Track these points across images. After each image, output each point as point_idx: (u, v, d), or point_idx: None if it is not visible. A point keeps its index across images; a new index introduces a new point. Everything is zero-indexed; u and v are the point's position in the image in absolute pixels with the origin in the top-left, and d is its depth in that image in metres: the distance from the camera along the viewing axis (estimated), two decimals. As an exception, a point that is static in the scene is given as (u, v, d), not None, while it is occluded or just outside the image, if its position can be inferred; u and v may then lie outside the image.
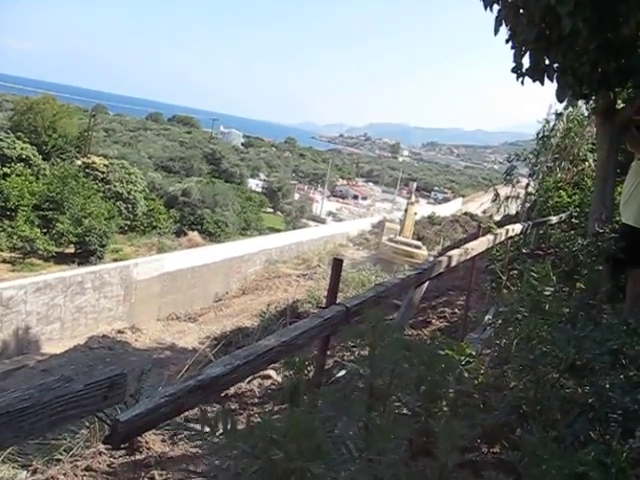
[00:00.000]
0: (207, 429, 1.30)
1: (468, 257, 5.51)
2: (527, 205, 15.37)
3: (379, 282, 4.18)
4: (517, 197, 17.02)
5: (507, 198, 17.47)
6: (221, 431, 1.28)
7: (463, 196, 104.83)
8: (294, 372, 1.49)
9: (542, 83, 7.10)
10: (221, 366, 1.98)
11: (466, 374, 3.26)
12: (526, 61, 7.05)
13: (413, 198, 64.79)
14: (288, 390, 1.49)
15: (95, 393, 1.57)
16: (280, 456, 1.23)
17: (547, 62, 6.94)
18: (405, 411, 2.09)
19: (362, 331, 1.86)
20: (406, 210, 56.47)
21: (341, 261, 3.24)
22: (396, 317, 4.23)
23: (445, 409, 2.34)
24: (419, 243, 49.35)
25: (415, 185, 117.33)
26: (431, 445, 1.92)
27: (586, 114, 14.28)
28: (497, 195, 17.46)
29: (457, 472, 1.91)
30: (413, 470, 1.79)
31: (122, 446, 1.72)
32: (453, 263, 5.04)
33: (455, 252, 5.21)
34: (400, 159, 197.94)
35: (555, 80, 7.00)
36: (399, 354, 1.96)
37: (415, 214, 54.14)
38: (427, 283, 4.53)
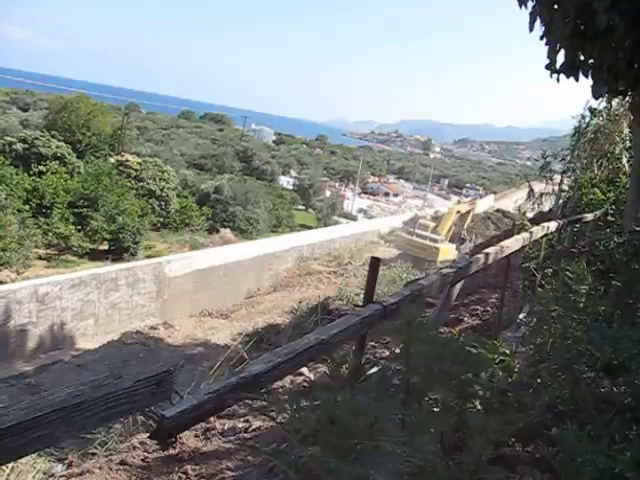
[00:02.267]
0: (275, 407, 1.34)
1: (503, 255, 5.48)
2: (561, 202, 15.21)
3: (411, 279, 4.19)
4: (551, 194, 16.83)
5: (541, 195, 17.30)
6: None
7: (495, 193, 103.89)
8: (334, 367, 1.51)
9: (577, 79, 7.03)
10: (262, 363, 2.02)
11: (500, 372, 3.26)
12: (560, 58, 6.98)
13: (468, 199, 64.79)
14: (350, 368, 1.52)
15: (144, 390, 1.61)
16: (337, 433, 1.27)
17: (582, 58, 6.87)
18: (438, 408, 2.10)
19: (399, 327, 1.88)
20: (450, 209, 56.38)
21: (378, 260, 3.24)
22: (431, 315, 4.23)
23: (479, 407, 2.35)
24: (437, 237, 48.76)
25: (447, 182, 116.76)
26: (463, 441, 1.93)
27: (622, 111, 14.09)
28: (532, 190, 17.27)
29: (491, 467, 1.92)
30: (449, 463, 1.81)
31: (168, 442, 1.75)
32: (490, 261, 5.03)
33: (491, 250, 5.19)
34: (432, 156, 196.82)
35: (590, 76, 6.92)
36: (433, 351, 1.97)
37: (459, 213, 53.64)
38: (463, 281, 4.52)
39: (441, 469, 1.78)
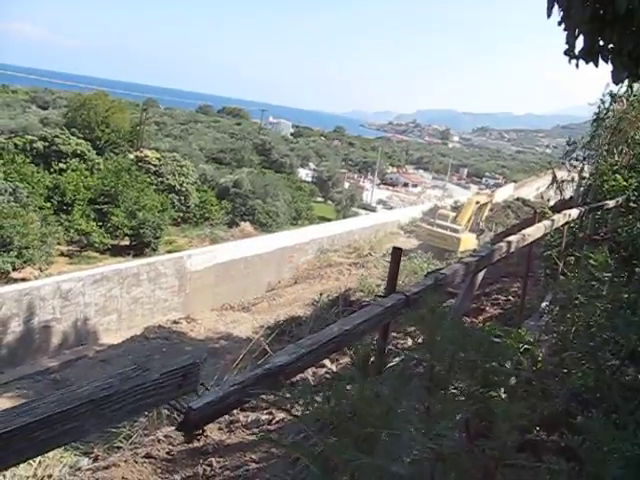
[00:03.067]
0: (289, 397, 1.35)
1: (525, 243, 5.44)
2: (582, 189, 15.07)
3: (432, 270, 4.18)
4: (572, 181, 16.68)
5: (562, 182, 17.15)
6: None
7: (515, 181, 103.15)
8: (357, 358, 1.52)
9: (596, 65, 6.94)
10: (286, 355, 2.03)
11: (525, 361, 3.25)
12: (579, 43, 6.91)
13: (487, 191, 64.63)
14: (359, 359, 1.52)
15: (170, 382, 1.63)
16: (353, 422, 1.28)
17: (601, 43, 6.79)
18: (462, 397, 2.10)
19: (422, 315, 1.88)
20: (469, 199, 56.22)
21: (400, 250, 3.24)
22: (454, 304, 4.22)
23: (503, 395, 2.35)
24: (458, 227, 48.56)
25: (466, 171, 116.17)
26: (488, 429, 1.93)
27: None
28: (555, 177, 17.10)
29: (516, 454, 1.92)
30: (473, 450, 1.81)
31: (195, 433, 1.77)
32: (512, 249, 5.00)
33: (513, 238, 5.16)
34: (450, 145, 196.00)
35: (610, 62, 6.85)
36: (457, 339, 1.97)
37: (478, 203, 53.41)
38: (485, 270, 4.50)
39: (465, 455, 1.79)
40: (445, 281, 3.52)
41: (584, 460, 1.94)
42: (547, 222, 6.33)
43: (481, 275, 4.45)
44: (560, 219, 6.83)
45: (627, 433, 2.08)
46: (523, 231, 5.52)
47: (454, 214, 52.69)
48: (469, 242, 44.32)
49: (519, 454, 2.07)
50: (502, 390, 2.36)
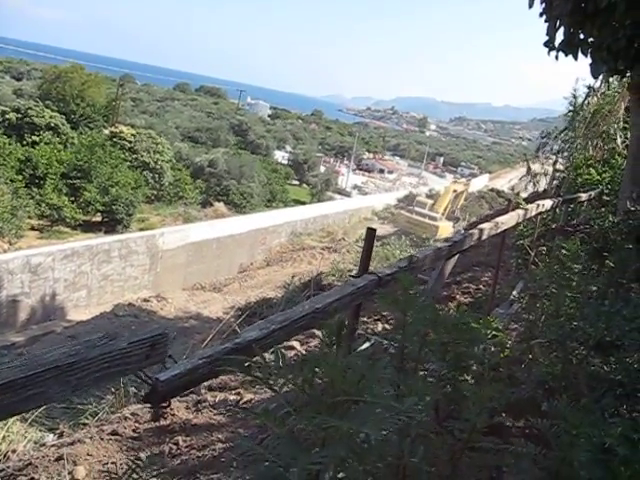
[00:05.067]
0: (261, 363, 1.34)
1: (498, 231, 5.48)
2: (555, 182, 15.21)
3: (407, 255, 4.19)
4: (546, 174, 16.82)
5: (535, 175, 17.28)
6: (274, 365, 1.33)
7: (490, 172, 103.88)
8: (329, 332, 1.51)
9: (575, 58, 6.98)
10: (257, 330, 2.02)
11: (492, 347, 3.27)
12: (560, 35, 6.93)
13: (463, 180, 65.32)
14: (333, 329, 1.51)
15: (138, 352, 1.61)
16: (326, 389, 1.27)
17: (582, 36, 6.82)
18: (432, 379, 2.11)
19: (394, 295, 1.87)
20: (447, 188, 56.87)
21: (374, 230, 3.26)
22: (426, 288, 4.24)
23: (470, 380, 2.36)
24: (437, 215, 49.27)
25: (442, 160, 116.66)
26: (457, 411, 1.94)
27: (619, 91, 14.04)
28: (529, 169, 17.24)
29: (483, 437, 1.93)
30: (441, 431, 1.82)
31: (161, 405, 1.76)
32: (484, 236, 5.03)
33: (486, 225, 5.19)
34: (427, 133, 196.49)
35: (589, 55, 6.88)
36: (428, 320, 1.98)
37: (455, 192, 54.11)
38: (457, 256, 4.52)
39: (434, 436, 1.79)
40: (417, 264, 3.53)
41: (551, 444, 1.95)
42: (520, 211, 6.38)
43: (453, 261, 4.47)
44: (533, 209, 6.88)
45: (595, 418, 2.10)
46: (496, 219, 5.55)
47: (432, 202, 53.25)
48: (446, 230, 44.77)
49: (486, 437, 2.09)
50: (470, 376, 2.37)
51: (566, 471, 1.82)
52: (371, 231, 3.18)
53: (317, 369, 1.30)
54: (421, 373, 2.08)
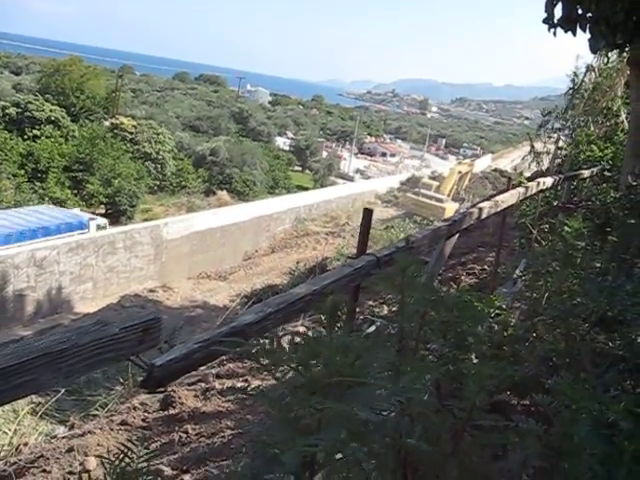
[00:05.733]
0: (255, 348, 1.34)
1: (498, 209, 5.45)
2: (557, 160, 15.14)
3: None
4: (548, 152, 16.74)
5: (538, 154, 17.20)
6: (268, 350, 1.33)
7: (493, 152, 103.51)
8: (326, 309, 1.50)
9: (574, 34, 6.92)
10: (253, 314, 2.02)
11: (495, 326, 3.27)
12: (558, 11, 6.87)
13: (467, 161, 65.43)
14: (328, 309, 1.51)
15: (131, 337, 1.61)
16: (321, 370, 1.27)
17: (580, 12, 6.77)
18: (433, 358, 2.11)
19: (392, 275, 1.86)
20: (452, 169, 57.04)
21: (371, 211, 3.26)
22: (426, 268, 4.23)
23: (474, 358, 2.36)
24: (442, 197, 49.51)
25: (444, 142, 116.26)
26: (459, 390, 1.94)
27: (618, 66, 13.95)
28: (532, 147, 17.14)
29: (485, 415, 1.93)
30: (442, 409, 1.82)
31: (157, 391, 1.76)
32: (484, 215, 5.00)
33: (486, 204, 5.17)
34: (429, 115, 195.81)
35: (588, 30, 6.82)
36: (427, 300, 1.97)
37: (460, 173, 54.32)
38: (457, 235, 4.51)
39: (435, 414, 1.79)
40: (416, 244, 3.52)
41: (553, 420, 1.95)
42: (521, 189, 6.35)
43: (453, 240, 4.45)
44: (534, 187, 6.85)
45: (594, 393, 2.10)
46: (496, 197, 5.53)
47: (437, 183, 53.42)
48: (453, 211, 44.87)
49: (488, 415, 2.08)
50: (473, 354, 2.37)
51: (568, 446, 1.82)
52: (368, 212, 3.18)
53: (312, 350, 1.30)
54: (423, 353, 2.08)
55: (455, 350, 2.14)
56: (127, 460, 1.41)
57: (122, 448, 1.46)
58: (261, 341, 1.35)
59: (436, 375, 1.88)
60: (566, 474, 1.87)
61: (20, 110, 40.45)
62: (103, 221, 28.03)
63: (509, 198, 5.73)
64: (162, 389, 1.72)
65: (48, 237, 23.60)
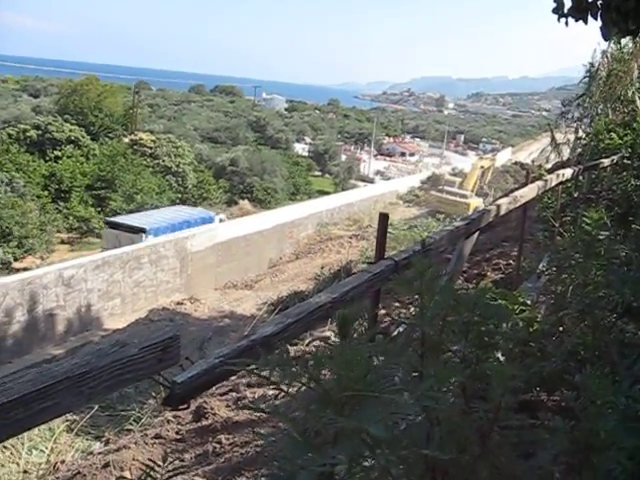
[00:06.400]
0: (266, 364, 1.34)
1: (517, 205, 5.42)
2: (578, 150, 14.99)
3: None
4: (567, 143, 16.58)
5: (558, 144, 17.04)
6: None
7: (512, 146, 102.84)
8: (344, 325, 1.50)
9: (585, 22, 6.84)
10: (273, 325, 2.02)
11: (520, 323, 3.25)
12: (568, 1, 6.81)
13: (489, 155, 65.50)
14: (338, 322, 1.51)
15: (149, 356, 1.63)
16: (332, 384, 1.27)
17: (589, 0, 6.71)
18: (456, 360, 2.10)
19: (409, 279, 1.86)
20: (474, 164, 57.16)
21: (387, 215, 3.27)
22: (447, 269, 4.22)
23: (500, 357, 2.35)
24: (467, 193, 49.52)
25: (463, 138, 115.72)
26: (484, 390, 1.93)
27: (631, 51, 13.80)
28: (553, 138, 16.97)
29: (513, 414, 1.92)
30: (466, 411, 1.82)
31: (180, 407, 1.78)
32: (502, 212, 4.97)
33: (504, 200, 5.14)
34: (446, 112, 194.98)
35: (599, 18, 6.76)
36: (447, 302, 1.96)
37: (482, 167, 54.39)
38: (477, 233, 4.49)
39: (459, 417, 1.79)
40: (434, 245, 3.51)
41: (579, 416, 1.94)
42: (540, 183, 6.30)
43: (473, 239, 4.43)
44: (553, 179, 6.79)
45: (622, 387, 2.08)
46: (514, 193, 5.50)
47: (460, 179, 53.49)
48: (477, 206, 44.83)
49: (517, 415, 2.08)
50: (500, 352, 2.36)
51: (595, 442, 1.81)
52: (383, 216, 3.19)
53: (324, 363, 1.30)
54: (445, 355, 2.07)
55: (477, 350, 2.14)
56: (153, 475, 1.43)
57: (152, 464, 1.47)
58: (269, 357, 1.35)
59: (460, 377, 1.87)
60: (595, 469, 1.86)
61: (41, 132, 41.01)
62: (223, 216, 35.07)
63: (528, 192, 5.69)
64: (185, 405, 1.74)
65: (190, 229, 29.44)
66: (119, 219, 29.93)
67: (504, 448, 1.95)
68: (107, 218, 31.15)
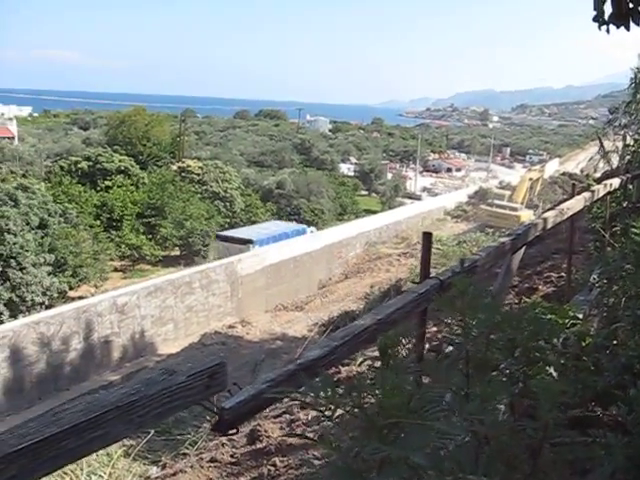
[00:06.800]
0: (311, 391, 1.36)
1: (565, 217, 5.35)
2: (627, 158, 14.72)
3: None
4: (616, 150, 16.30)
5: (606, 153, 16.76)
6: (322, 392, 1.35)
7: (559, 156, 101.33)
8: (384, 351, 1.51)
9: (628, 29, 6.76)
10: (319, 349, 2.04)
11: (572, 337, 3.20)
12: (608, 7, 6.75)
13: (537, 167, 65.14)
14: (379, 347, 1.53)
15: (197, 384, 1.66)
16: (375, 411, 1.28)
17: (631, 5, 6.63)
18: (503, 379, 2.09)
19: (451, 299, 1.87)
20: (522, 177, 57.02)
21: (430, 234, 3.27)
22: (494, 285, 4.18)
23: (554, 373, 2.33)
24: (517, 205, 49.18)
25: (509, 150, 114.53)
26: (534, 407, 1.92)
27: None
28: (602, 146, 16.70)
29: (563, 430, 1.90)
30: (515, 430, 1.80)
31: (229, 433, 1.81)
32: (549, 225, 4.91)
33: (550, 214, 5.08)
34: (490, 125, 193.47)
35: (640, 23, 6.68)
36: (491, 320, 1.96)
37: (531, 179, 54.06)
38: (524, 248, 4.44)
39: (510, 435, 1.78)
40: (480, 262, 3.49)
41: (632, 431, 1.91)
42: (587, 194, 6.21)
43: (520, 254, 4.38)
44: (601, 190, 6.69)
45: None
46: (561, 205, 5.43)
47: (509, 192, 53.22)
48: (527, 218, 44.32)
49: (572, 431, 2.05)
50: (552, 368, 2.34)
51: (648, 458, 1.78)
52: (427, 235, 3.19)
53: (366, 391, 1.31)
54: (491, 374, 2.06)
55: (524, 367, 2.12)
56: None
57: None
58: (312, 383, 1.36)
59: (506, 396, 1.86)
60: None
61: (91, 163, 41.95)
62: (314, 229, 39.81)
63: (575, 204, 5.61)
64: (234, 431, 1.77)
65: (288, 240, 33.76)
66: (228, 233, 35.02)
67: (557, 465, 1.93)
68: (218, 232, 35.71)
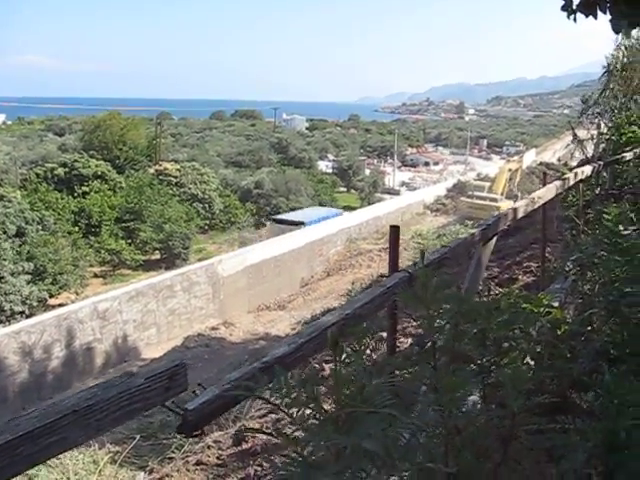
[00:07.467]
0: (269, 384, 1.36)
1: (536, 207, 5.37)
2: (602, 146, 14.83)
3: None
4: (591, 139, 16.41)
5: (581, 141, 16.87)
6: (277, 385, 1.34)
7: (536, 147, 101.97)
8: (334, 344, 1.51)
9: (595, 17, 6.80)
10: (285, 346, 2.03)
11: (547, 325, 3.21)
12: (576, -4, 6.79)
13: (515, 158, 65.49)
14: (329, 341, 1.52)
15: (156, 385, 1.64)
16: (329, 403, 1.28)
17: (598, -6, 6.67)
18: (472, 368, 2.09)
19: (415, 292, 1.86)
20: (501, 168, 57.37)
21: (397, 228, 3.29)
22: (466, 276, 4.19)
23: (529, 360, 2.34)
24: (496, 196, 49.45)
25: (485, 142, 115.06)
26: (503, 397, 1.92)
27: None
28: (575, 136, 16.82)
29: (538, 419, 1.90)
30: (484, 419, 1.81)
31: (194, 434, 1.80)
32: (519, 215, 4.93)
33: (521, 203, 5.11)
34: (466, 118, 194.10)
35: (608, 12, 6.72)
36: (456, 311, 1.95)
37: (510, 170, 54.42)
38: (495, 239, 4.46)
39: (477, 426, 1.78)
40: (450, 254, 3.50)
41: (598, 415, 1.92)
42: (558, 182, 6.25)
43: (491, 244, 4.40)
44: (572, 178, 6.74)
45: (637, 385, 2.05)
46: (532, 194, 5.46)
47: (488, 184, 53.50)
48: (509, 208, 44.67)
49: (546, 419, 2.06)
50: (528, 357, 2.35)
51: (615, 441, 1.79)
52: (394, 229, 3.20)
53: (319, 383, 1.31)
54: (460, 366, 2.06)
55: (495, 357, 2.12)
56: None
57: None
58: (274, 381, 1.36)
59: (474, 386, 1.86)
60: (629, 469, 1.83)
61: (67, 169, 41.70)
62: (344, 212, 45.04)
63: (545, 193, 5.64)
64: (199, 432, 1.75)
65: (327, 220, 39.42)
66: (282, 216, 40.94)
67: (530, 453, 1.94)
68: (272, 216, 41.77)
